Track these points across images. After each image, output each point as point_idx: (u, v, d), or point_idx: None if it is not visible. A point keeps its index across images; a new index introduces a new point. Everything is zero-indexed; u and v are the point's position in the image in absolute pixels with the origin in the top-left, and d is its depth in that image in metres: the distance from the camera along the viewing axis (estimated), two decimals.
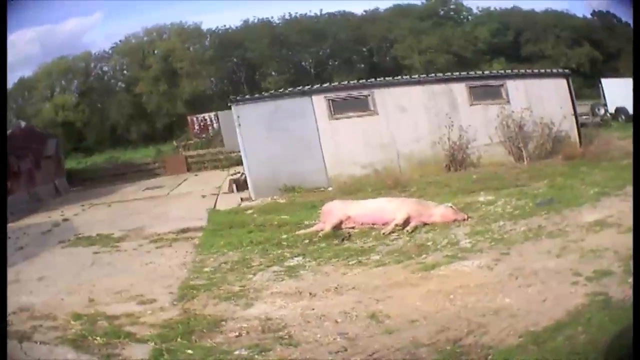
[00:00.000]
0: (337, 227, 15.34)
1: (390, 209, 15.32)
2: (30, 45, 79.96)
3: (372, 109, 24.83)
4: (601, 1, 69.03)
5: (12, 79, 63.78)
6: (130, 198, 29.76)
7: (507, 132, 24.58)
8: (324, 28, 70.67)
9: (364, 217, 15.52)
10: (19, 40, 70.33)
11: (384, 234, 14.43)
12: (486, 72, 31.48)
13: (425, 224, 14.78)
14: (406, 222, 14.78)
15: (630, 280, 8.62)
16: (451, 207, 15.28)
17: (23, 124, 38.18)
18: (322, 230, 15.26)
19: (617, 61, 60.41)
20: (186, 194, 29.15)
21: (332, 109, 24.54)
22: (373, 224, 15.25)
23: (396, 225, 14.69)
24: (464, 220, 14.72)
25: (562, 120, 24.00)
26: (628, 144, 20.29)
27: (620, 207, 13.28)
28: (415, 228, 14.55)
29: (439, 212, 15.04)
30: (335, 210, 15.82)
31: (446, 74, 28.43)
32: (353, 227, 15.38)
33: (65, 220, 23.61)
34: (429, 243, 13.23)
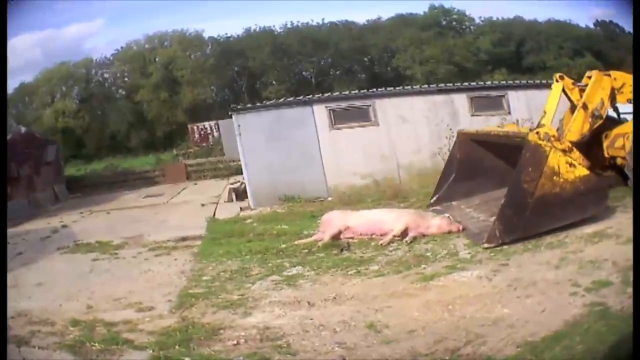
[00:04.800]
0: (336, 237, 15.29)
1: (389, 219, 15.27)
2: (31, 50, 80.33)
3: (372, 119, 24.80)
4: (604, 11, 69.26)
5: (12, 84, 64.08)
6: (129, 206, 29.73)
7: None
8: (326, 37, 70.97)
9: (363, 227, 15.47)
10: (20, 45, 70.54)
11: (381, 244, 14.42)
12: (487, 83, 31.55)
13: (423, 235, 14.78)
14: (404, 233, 14.77)
15: (629, 290, 8.63)
16: (448, 217, 15.25)
17: (23, 129, 38.17)
18: (321, 239, 15.23)
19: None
20: (185, 202, 29.10)
21: (332, 118, 24.52)
22: (372, 235, 15.22)
23: (394, 236, 14.68)
24: (458, 231, 14.67)
25: None
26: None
27: (620, 218, 13.23)
28: (414, 239, 14.55)
29: (436, 223, 14.98)
30: (335, 220, 15.79)
31: (447, 85, 28.50)
32: (352, 238, 15.35)
33: (64, 226, 23.60)
34: (428, 254, 13.20)
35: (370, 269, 12.45)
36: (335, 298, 10.65)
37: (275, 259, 14.17)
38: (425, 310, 9.46)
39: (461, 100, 25.51)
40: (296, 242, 15.61)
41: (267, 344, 8.67)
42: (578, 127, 14.92)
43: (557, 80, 15.64)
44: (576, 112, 15.13)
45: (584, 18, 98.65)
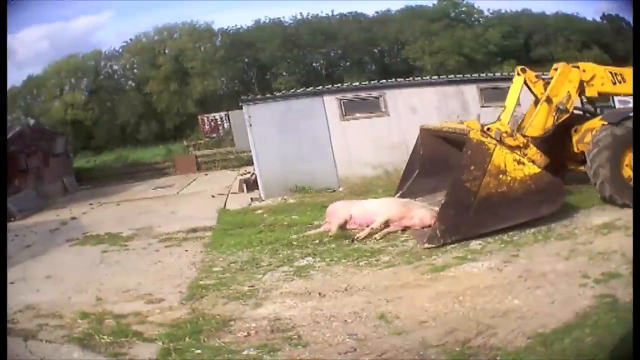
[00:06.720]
0: (343, 227, 15.34)
1: (380, 210, 15.24)
2: (40, 43, 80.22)
3: (383, 110, 24.81)
4: (610, 5, 68.92)
5: (21, 77, 64.04)
6: (139, 197, 29.82)
7: None
8: (336, 29, 70.58)
9: (360, 217, 15.50)
10: (28, 38, 70.58)
11: (357, 238, 14.38)
12: (497, 74, 31.46)
13: (406, 228, 14.71)
14: (387, 225, 14.76)
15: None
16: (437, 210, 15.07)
17: (32, 121, 38.21)
18: (328, 230, 15.27)
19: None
20: (196, 193, 29.16)
21: (343, 109, 24.53)
22: (367, 225, 15.12)
23: (372, 229, 14.64)
24: None
25: None
26: None
27: (629, 210, 13.16)
28: (396, 232, 14.53)
29: (419, 214, 14.76)
30: (339, 211, 15.84)
31: (457, 76, 28.44)
32: (355, 228, 15.33)
33: (73, 218, 23.69)
34: None
35: (381, 260, 12.47)
36: (346, 289, 10.66)
37: (286, 250, 14.21)
38: (436, 301, 9.45)
39: (471, 92, 25.49)
40: (306, 234, 15.64)
41: (277, 335, 8.68)
42: (541, 121, 14.70)
43: (518, 74, 15.38)
44: (539, 105, 14.88)
45: (591, 12, 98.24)
